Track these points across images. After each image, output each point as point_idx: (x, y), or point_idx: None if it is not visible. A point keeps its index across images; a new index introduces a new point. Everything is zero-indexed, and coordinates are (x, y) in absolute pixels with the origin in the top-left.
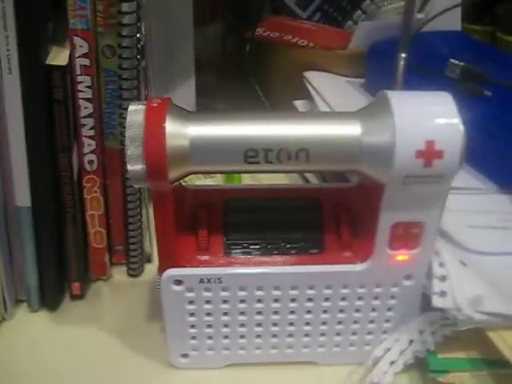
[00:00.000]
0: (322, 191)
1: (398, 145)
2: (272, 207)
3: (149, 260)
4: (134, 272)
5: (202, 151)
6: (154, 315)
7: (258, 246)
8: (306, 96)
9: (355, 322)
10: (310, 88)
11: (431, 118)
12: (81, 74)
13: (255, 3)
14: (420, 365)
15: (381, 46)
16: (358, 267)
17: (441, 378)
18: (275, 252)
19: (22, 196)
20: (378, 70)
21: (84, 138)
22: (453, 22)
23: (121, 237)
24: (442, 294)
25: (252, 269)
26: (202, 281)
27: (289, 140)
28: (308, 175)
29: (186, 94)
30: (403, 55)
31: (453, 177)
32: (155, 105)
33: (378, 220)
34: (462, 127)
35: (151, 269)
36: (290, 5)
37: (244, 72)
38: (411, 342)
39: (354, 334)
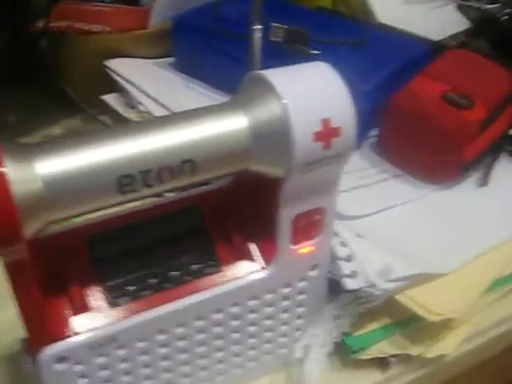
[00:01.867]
0: (197, 198)
1: (294, 130)
2: (147, 231)
3: None
4: None
5: (62, 191)
6: None
7: (146, 285)
8: (116, 88)
9: (268, 330)
10: (118, 79)
11: (321, 93)
12: None
13: None
14: (337, 350)
15: (185, 19)
16: (262, 273)
17: (364, 356)
18: (168, 285)
19: None
20: (187, 45)
21: None
22: None
23: None
24: (353, 274)
25: (148, 313)
26: (91, 348)
27: (169, 153)
28: None
29: None
30: (257, 27)
31: (351, 154)
32: None
33: (277, 216)
34: (350, 97)
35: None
36: None
37: (37, 72)
38: (329, 331)
39: (267, 342)
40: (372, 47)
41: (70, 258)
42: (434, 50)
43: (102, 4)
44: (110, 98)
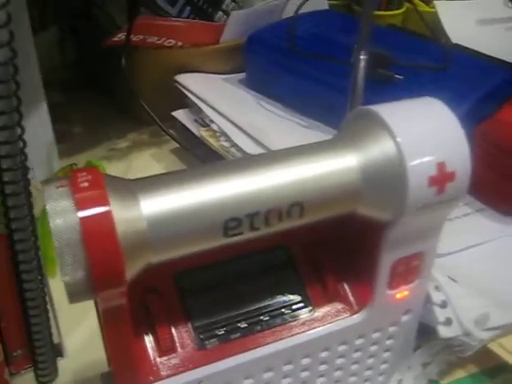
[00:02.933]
0: (287, 236)
1: (409, 173)
2: (235, 272)
3: (60, 355)
4: (48, 378)
5: (166, 233)
6: None
7: (235, 328)
8: (185, 103)
9: (352, 375)
10: (188, 94)
11: (437, 134)
12: None
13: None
14: None
15: (260, 35)
16: (356, 319)
17: None
18: (258, 329)
19: None
20: (260, 62)
21: None
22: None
23: (19, 339)
24: (447, 321)
25: (237, 358)
26: None
27: (278, 195)
28: None
29: (39, 124)
30: (362, 56)
31: (462, 198)
32: (86, 184)
33: (377, 260)
34: (465, 138)
35: (66, 365)
36: (159, 2)
37: (106, 85)
38: (416, 378)
39: None
40: (455, 72)
41: (157, 296)
42: None
43: (176, 19)
44: (181, 114)
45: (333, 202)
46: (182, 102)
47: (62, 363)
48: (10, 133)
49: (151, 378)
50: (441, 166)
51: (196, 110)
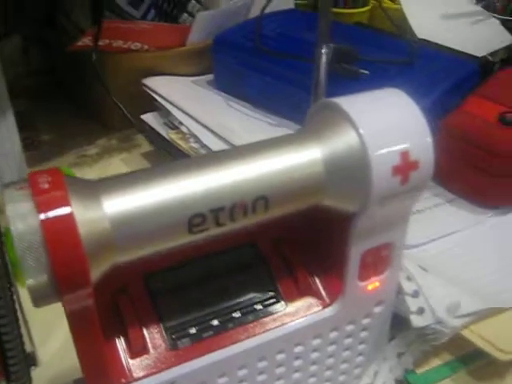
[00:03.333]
0: (255, 231)
1: (373, 164)
2: (205, 271)
3: (34, 364)
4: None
5: (130, 232)
6: None
7: (207, 326)
8: (154, 106)
9: (328, 369)
10: (156, 97)
11: (399, 124)
12: None
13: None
14: None
15: (226, 36)
16: (328, 311)
17: None
18: (230, 326)
19: None
20: (228, 63)
21: None
22: None
23: None
24: (420, 311)
25: (209, 357)
26: None
27: (243, 189)
28: None
29: (6, 132)
30: (323, 50)
31: (426, 187)
32: (46, 186)
33: (346, 252)
34: (427, 127)
35: (41, 374)
36: (123, 6)
37: (73, 91)
38: (391, 369)
39: (327, 381)
40: (420, 66)
41: (126, 296)
42: (482, 68)
43: (141, 22)
44: (150, 118)
45: (298, 195)
46: (151, 105)
47: (36, 372)
48: None
49: (123, 380)
50: (404, 155)
51: (165, 113)
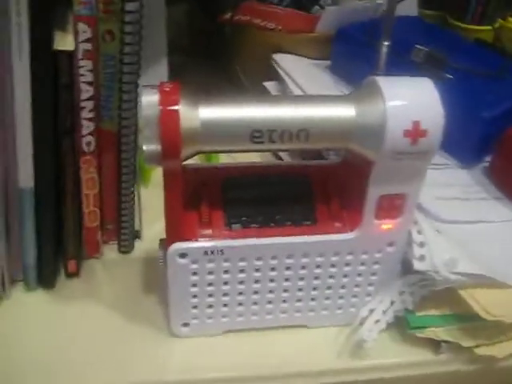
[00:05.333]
0: (310, 168)
1: (389, 125)
2: (266, 183)
3: (138, 237)
4: (126, 249)
5: (212, 132)
6: (148, 289)
7: (255, 220)
8: (276, 77)
9: (343, 287)
10: (279, 70)
11: (417, 100)
12: (83, 59)
13: None
14: (398, 323)
15: (347, 30)
16: (348, 236)
17: (419, 334)
18: (272, 224)
19: (26, 177)
20: (344, 53)
21: (83, 121)
22: (410, 7)
23: (112, 216)
24: (422, 258)
25: (251, 240)
26: (205, 253)
27: (291, 121)
28: (282, 154)
29: (158, 75)
30: (386, 43)
31: (434, 153)
32: (167, 89)
33: (366, 193)
34: (442, 109)
35: (141, 246)
36: None
37: (217, 54)
38: (392, 302)
39: (341, 297)
40: (506, 80)
41: (207, 189)
42: None
43: (278, 7)
44: (270, 85)
45: (331, 136)
46: (274, 76)
47: (137, 244)
48: (132, 58)
49: (192, 238)
50: (416, 123)
51: (283, 85)
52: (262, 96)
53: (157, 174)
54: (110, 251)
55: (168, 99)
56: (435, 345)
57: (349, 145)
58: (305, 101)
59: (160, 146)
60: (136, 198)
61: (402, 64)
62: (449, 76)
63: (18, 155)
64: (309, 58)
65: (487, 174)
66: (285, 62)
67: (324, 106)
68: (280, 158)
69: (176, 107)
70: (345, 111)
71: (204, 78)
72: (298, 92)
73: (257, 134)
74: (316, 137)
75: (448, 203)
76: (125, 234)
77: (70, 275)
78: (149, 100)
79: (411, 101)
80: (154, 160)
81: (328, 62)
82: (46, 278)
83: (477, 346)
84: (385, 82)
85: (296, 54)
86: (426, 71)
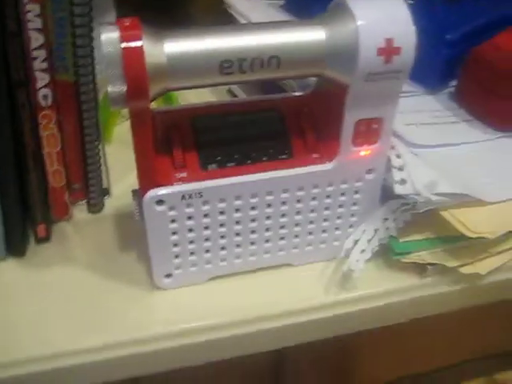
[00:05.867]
0: (280, 102)
1: (361, 44)
2: (237, 121)
3: (107, 194)
4: (96, 208)
5: (180, 66)
6: (124, 246)
7: (231, 158)
8: (230, 21)
9: (325, 220)
10: (233, 13)
11: (388, 18)
12: (29, 3)
13: None
14: (383, 252)
15: None
16: (327, 166)
17: (404, 260)
18: (248, 162)
19: None
20: None
21: (37, 72)
22: None
23: (78, 174)
24: (402, 181)
25: (229, 179)
26: (183, 197)
27: (261, 48)
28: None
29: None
30: None
31: (408, 72)
32: (127, 24)
33: (342, 120)
34: (413, 26)
35: (110, 203)
36: None
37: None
38: (376, 230)
39: (324, 231)
40: (466, 3)
41: (177, 131)
42: None
43: None
44: None
45: (303, 62)
46: (227, 22)
47: (107, 202)
48: None
49: (167, 182)
50: (389, 41)
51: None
52: (229, 25)
53: (119, 130)
54: (80, 212)
55: (130, 35)
56: (421, 269)
57: (321, 70)
58: (274, 27)
59: (125, 85)
60: (101, 153)
61: None
62: (409, 1)
63: None
64: None
65: (454, 98)
66: (238, 3)
67: (293, 31)
68: (234, 95)
69: (139, 43)
70: (314, 35)
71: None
72: None
73: (226, 65)
74: (287, 64)
75: (419, 129)
76: (93, 192)
77: (40, 240)
78: (109, 37)
79: (382, 18)
80: (119, 102)
81: (281, 2)
82: (14, 246)
83: (461, 266)
84: (354, 2)
85: None
86: None
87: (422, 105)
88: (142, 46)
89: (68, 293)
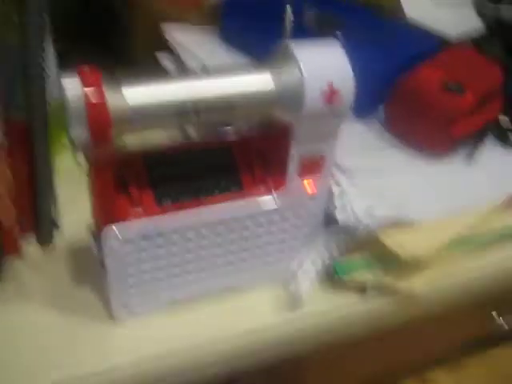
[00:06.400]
0: (230, 140)
1: (307, 88)
2: (190, 158)
3: (56, 226)
4: (45, 240)
5: (141, 112)
6: (78, 279)
7: (185, 193)
8: (167, 47)
9: (269, 244)
10: (172, 41)
11: (329, 62)
12: None
13: None
14: (326, 272)
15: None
16: (274, 196)
17: (346, 278)
18: (201, 195)
19: None
20: (233, 22)
21: None
22: None
23: (27, 208)
24: (343, 207)
25: (184, 213)
26: (140, 231)
27: (215, 98)
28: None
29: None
30: (289, 9)
31: (348, 110)
32: (88, 72)
33: (288, 155)
34: (350, 69)
35: (61, 235)
36: None
37: (105, 34)
38: (319, 252)
39: (269, 255)
40: (390, 38)
41: (130, 170)
42: (442, 44)
43: None
44: (163, 56)
45: (254, 106)
46: (166, 46)
47: (56, 233)
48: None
49: (124, 218)
50: (329, 84)
51: (176, 55)
52: (183, 74)
53: (63, 157)
54: (28, 244)
55: (92, 84)
56: (362, 288)
57: (270, 112)
58: (225, 75)
59: (89, 133)
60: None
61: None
62: (339, 36)
63: None
64: (197, 25)
65: (382, 123)
66: (175, 32)
67: (244, 80)
68: (188, 137)
69: (102, 91)
70: (264, 83)
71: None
72: (191, 62)
73: (184, 111)
74: (240, 108)
75: (350, 154)
76: (43, 224)
77: None
78: (72, 87)
79: (324, 63)
80: (84, 148)
81: (215, 28)
82: None
83: (397, 281)
84: (297, 47)
85: (184, 22)
86: (320, 35)
87: (351, 131)
88: (103, 94)
89: (26, 332)
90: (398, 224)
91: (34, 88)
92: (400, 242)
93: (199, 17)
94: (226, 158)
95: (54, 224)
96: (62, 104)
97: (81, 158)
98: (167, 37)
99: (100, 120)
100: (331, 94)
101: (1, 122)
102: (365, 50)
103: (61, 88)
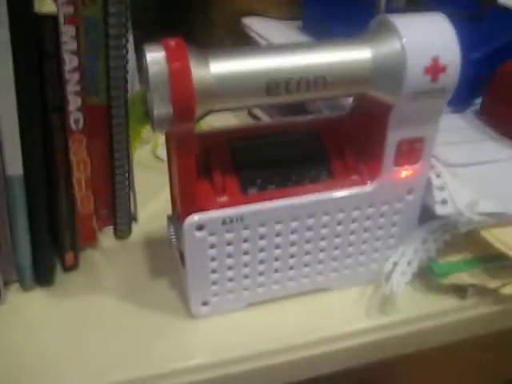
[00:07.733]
0: (318, 122)
1: (409, 63)
2: (276, 143)
3: (134, 220)
4: (123, 234)
5: (227, 87)
6: (154, 273)
7: (271, 181)
8: (246, 42)
9: (364, 242)
10: (252, 34)
11: (434, 36)
12: (65, 24)
13: None
14: (421, 273)
15: None
16: (368, 187)
17: (444, 281)
18: (289, 184)
19: (14, 163)
20: (317, 12)
21: (69, 95)
22: None
23: (105, 200)
24: (443, 201)
25: (271, 203)
26: (224, 222)
27: (307, 69)
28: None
29: None
30: None
31: (453, 90)
32: (173, 44)
33: (385, 140)
34: (458, 43)
35: (137, 228)
36: None
37: (184, 25)
38: (416, 251)
39: (362, 254)
40: (487, 21)
41: (215, 154)
42: None
43: None
44: None
45: (349, 81)
46: (243, 42)
47: (134, 227)
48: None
49: (208, 207)
50: (435, 59)
51: None
52: (274, 46)
53: (141, 152)
54: (106, 238)
55: (176, 56)
56: (461, 290)
57: (366, 89)
58: (319, 47)
59: (172, 107)
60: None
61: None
62: None
63: (3, 137)
64: (278, 19)
65: (480, 116)
66: (257, 25)
67: (339, 51)
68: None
69: (186, 64)
70: (360, 54)
71: None
72: None
73: (273, 85)
74: (334, 84)
75: (450, 147)
76: (120, 217)
77: (68, 269)
78: (154, 57)
79: (428, 36)
80: (165, 125)
81: (298, 22)
82: (42, 275)
83: (502, 286)
84: (399, 20)
85: (267, 16)
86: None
87: (448, 124)
88: (189, 67)
89: (100, 322)
90: (504, 221)
91: (116, 69)
92: (506, 241)
93: (280, 10)
94: (314, 143)
95: (132, 217)
96: (140, 97)
97: (159, 151)
98: (247, 30)
99: (184, 96)
100: (436, 71)
101: (82, 107)
102: (461, 31)
103: (143, 61)
